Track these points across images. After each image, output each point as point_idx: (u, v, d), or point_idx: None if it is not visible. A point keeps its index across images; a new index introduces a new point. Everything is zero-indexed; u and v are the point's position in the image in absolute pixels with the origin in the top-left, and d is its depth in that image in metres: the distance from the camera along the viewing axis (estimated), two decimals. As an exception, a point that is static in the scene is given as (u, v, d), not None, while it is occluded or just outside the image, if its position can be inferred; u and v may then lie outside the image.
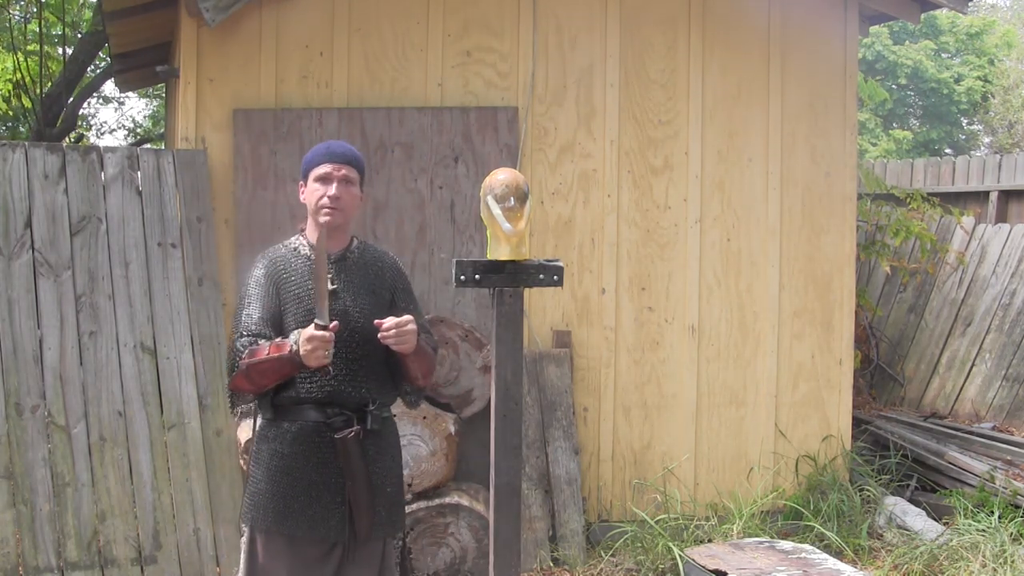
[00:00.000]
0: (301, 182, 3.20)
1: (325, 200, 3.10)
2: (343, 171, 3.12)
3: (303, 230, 3.25)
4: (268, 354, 2.95)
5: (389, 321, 3.01)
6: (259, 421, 3.17)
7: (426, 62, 5.56)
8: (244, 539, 3.13)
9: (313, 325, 2.91)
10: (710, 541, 5.15)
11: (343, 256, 3.19)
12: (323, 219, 3.11)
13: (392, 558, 3.22)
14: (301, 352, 2.90)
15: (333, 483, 3.06)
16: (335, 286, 3.11)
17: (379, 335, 3.02)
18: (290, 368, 2.96)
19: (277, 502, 3.05)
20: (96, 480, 4.72)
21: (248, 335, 3.04)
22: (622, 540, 5.27)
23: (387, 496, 3.15)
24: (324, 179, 3.11)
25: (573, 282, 5.67)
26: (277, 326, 3.08)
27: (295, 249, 3.19)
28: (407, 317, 3.04)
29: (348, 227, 3.22)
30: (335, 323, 2.94)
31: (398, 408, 3.35)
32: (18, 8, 12.55)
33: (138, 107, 18.82)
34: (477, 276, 2.87)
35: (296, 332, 2.95)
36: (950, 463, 6.25)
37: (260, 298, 3.09)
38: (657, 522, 5.29)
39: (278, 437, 3.08)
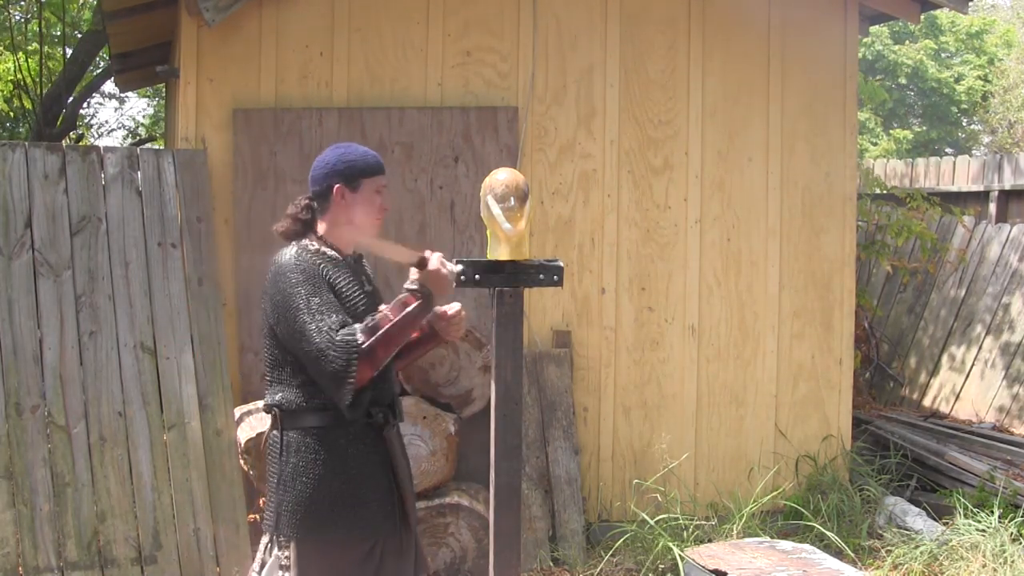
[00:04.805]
0: (345, 185, 3.07)
1: (380, 211, 3.18)
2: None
3: (319, 234, 3.12)
4: (395, 316, 2.88)
5: (453, 308, 3.15)
6: (294, 434, 3.02)
7: (426, 62, 5.56)
8: (288, 554, 2.99)
9: (431, 260, 2.93)
10: (710, 541, 5.15)
11: (359, 258, 3.25)
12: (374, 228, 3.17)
13: (422, 546, 3.28)
14: (431, 288, 2.92)
15: (380, 480, 3.06)
16: (369, 287, 3.14)
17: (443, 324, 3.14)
18: (422, 318, 2.97)
19: (330, 511, 2.99)
20: (96, 480, 4.72)
21: (342, 319, 2.90)
22: (622, 540, 5.27)
23: (411, 486, 3.21)
24: (381, 192, 3.16)
25: (573, 282, 5.67)
26: None
27: (320, 251, 3.07)
28: (458, 305, 3.17)
29: None
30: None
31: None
32: (18, 8, 12.56)
33: (138, 107, 18.79)
34: (477, 276, 2.86)
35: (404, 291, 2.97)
36: (950, 463, 6.24)
37: (324, 292, 2.96)
38: (657, 522, 5.28)
39: (325, 446, 3.00)
